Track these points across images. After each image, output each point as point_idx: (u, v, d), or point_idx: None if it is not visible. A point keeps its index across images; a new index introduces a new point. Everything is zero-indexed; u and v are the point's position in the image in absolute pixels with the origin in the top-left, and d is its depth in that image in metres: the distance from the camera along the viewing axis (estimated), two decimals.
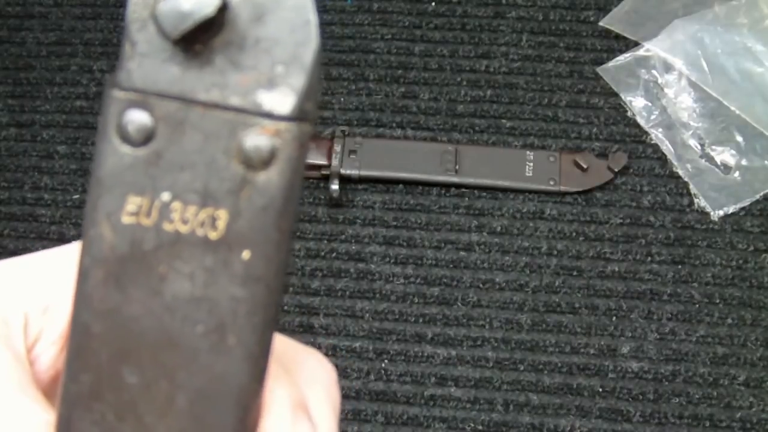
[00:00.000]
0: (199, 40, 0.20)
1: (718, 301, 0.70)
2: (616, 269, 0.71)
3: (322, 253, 0.73)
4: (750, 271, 0.71)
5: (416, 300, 0.71)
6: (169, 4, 0.19)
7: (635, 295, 0.70)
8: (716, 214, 0.73)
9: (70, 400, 0.21)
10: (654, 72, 0.77)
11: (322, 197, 0.75)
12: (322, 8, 0.82)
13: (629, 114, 0.77)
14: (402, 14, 0.82)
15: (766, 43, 0.77)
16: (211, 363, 0.21)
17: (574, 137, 0.76)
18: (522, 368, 0.69)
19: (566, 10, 0.81)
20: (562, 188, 0.73)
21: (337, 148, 0.74)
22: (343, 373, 0.69)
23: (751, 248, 0.72)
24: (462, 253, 0.72)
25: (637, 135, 0.76)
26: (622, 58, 0.78)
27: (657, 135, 0.75)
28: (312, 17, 0.20)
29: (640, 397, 0.67)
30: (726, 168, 0.74)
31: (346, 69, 0.80)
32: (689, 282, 0.71)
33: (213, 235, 0.21)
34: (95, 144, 0.21)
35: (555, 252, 0.72)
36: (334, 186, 0.73)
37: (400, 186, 0.75)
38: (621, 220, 0.73)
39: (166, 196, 0.21)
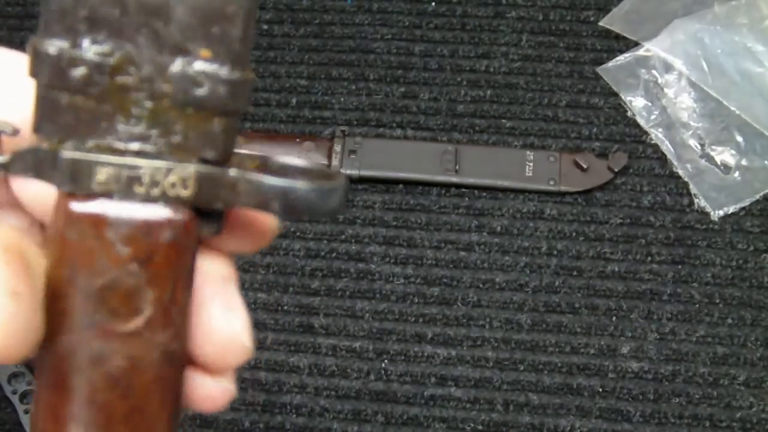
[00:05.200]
0: None
1: (718, 301, 0.70)
2: (616, 269, 0.71)
3: (322, 253, 0.73)
4: (750, 271, 0.71)
5: (416, 300, 0.71)
6: None
7: (635, 295, 0.70)
8: (716, 214, 0.73)
9: None
10: (654, 72, 0.77)
11: None
12: (322, 8, 0.83)
13: (629, 114, 0.77)
14: (402, 14, 0.82)
15: (766, 43, 0.77)
16: None
17: (574, 137, 0.76)
18: (522, 368, 0.69)
19: (566, 10, 0.81)
20: (562, 188, 0.74)
21: (337, 148, 0.74)
22: (343, 373, 0.69)
23: (751, 248, 0.72)
24: (462, 253, 0.72)
25: (637, 135, 0.76)
26: (622, 58, 0.78)
27: (657, 135, 0.75)
28: None
29: (640, 397, 0.67)
30: (726, 168, 0.74)
31: (346, 69, 0.80)
32: (689, 282, 0.71)
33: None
34: None
35: (555, 252, 0.72)
36: None
37: (400, 186, 0.75)
38: (621, 220, 0.73)
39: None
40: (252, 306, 0.71)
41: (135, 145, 0.21)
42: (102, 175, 0.21)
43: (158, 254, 0.21)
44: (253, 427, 0.68)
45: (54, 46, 0.21)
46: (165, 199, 0.21)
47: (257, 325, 0.70)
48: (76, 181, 0.21)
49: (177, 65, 0.21)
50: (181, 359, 0.23)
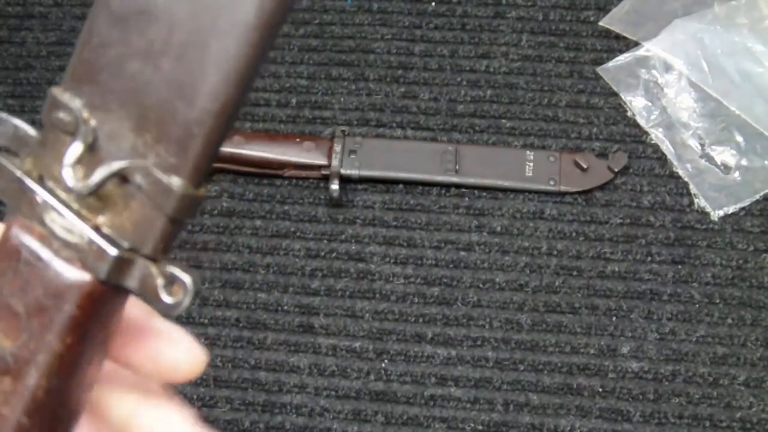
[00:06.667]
0: None
1: (718, 301, 0.70)
2: (616, 269, 0.71)
3: (322, 253, 0.73)
4: (750, 271, 0.71)
5: (416, 300, 0.71)
6: None
7: (635, 295, 0.70)
8: (716, 214, 0.73)
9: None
10: (654, 72, 0.77)
11: (322, 197, 0.75)
12: (322, 8, 0.83)
13: (629, 114, 0.77)
14: (402, 14, 0.82)
15: (766, 43, 0.77)
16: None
17: (574, 137, 0.76)
18: (522, 368, 0.69)
19: (566, 10, 0.81)
20: (562, 188, 0.74)
21: (337, 148, 0.74)
22: (343, 373, 0.69)
23: (751, 248, 0.72)
24: (462, 253, 0.72)
25: (637, 135, 0.76)
26: (622, 58, 0.78)
27: (657, 135, 0.75)
28: None
29: (640, 397, 0.67)
30: (726, 168, 0.74)
31: (346, 69, 0.80)
32: (689, 282, 0.71)
33: None
34: None
35: (555, 252, 0.72)
36: (334, 186, 0.73)
37: (400, 186, 0.75)
38: (621, 220, 0.73)
39: None
40: (252, 306, 0.71)
41: (76, 206, 0.22)
42: (48, 218, 0.22)
43: (58, 307, 0.22)
44: (253, 427, 0.68)
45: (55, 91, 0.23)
46: (83, 264, 0.22)
47: (257, 325, 0.71)
48: (30, 212, 0.22)
49: (138, 160, 0.22)
50: (54, 404, 0.23)
